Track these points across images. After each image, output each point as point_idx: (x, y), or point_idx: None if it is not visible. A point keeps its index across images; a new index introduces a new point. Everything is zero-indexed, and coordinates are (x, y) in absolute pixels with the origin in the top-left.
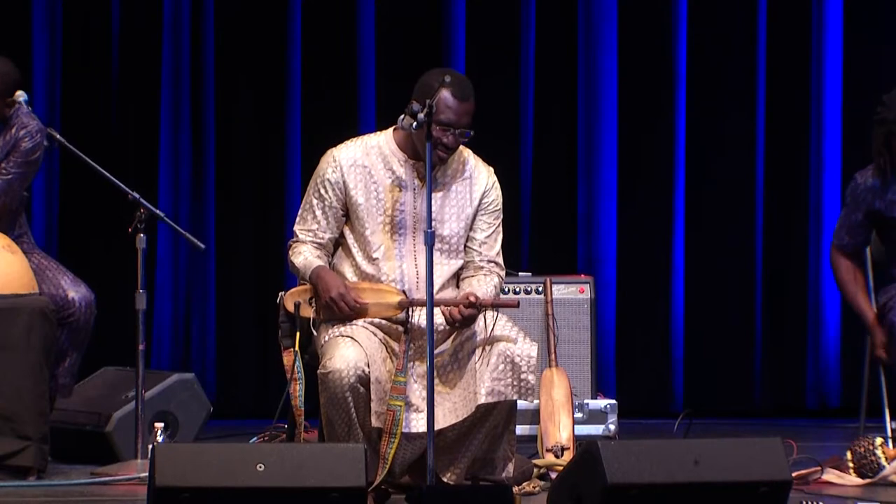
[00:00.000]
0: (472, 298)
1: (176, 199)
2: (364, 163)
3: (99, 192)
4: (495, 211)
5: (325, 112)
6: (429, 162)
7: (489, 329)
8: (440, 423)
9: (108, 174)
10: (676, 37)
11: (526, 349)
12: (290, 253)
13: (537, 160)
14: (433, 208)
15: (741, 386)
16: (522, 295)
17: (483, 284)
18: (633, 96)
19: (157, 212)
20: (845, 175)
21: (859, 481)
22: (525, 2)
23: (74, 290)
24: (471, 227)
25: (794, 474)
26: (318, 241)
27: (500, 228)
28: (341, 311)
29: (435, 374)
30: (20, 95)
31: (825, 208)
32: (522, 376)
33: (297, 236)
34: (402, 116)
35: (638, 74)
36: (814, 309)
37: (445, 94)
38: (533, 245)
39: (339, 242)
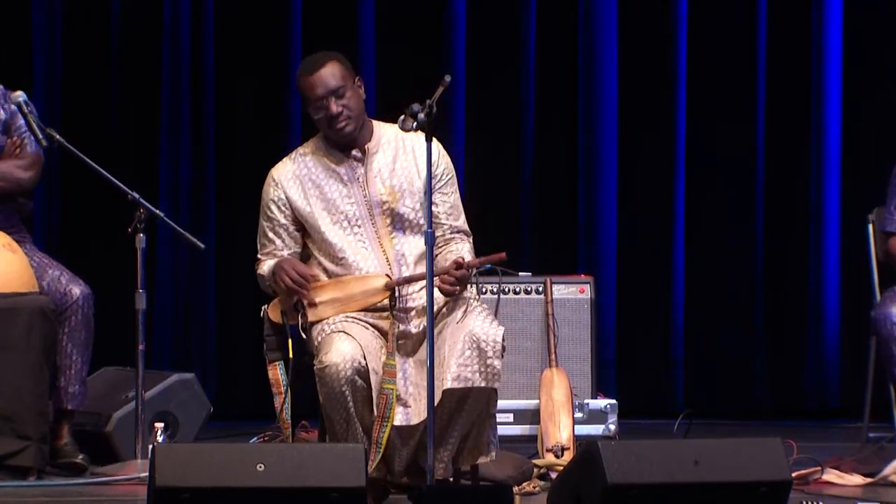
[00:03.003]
0: (459, 260)
1: (176, 199)
2: (301, 173)
3: (99, 192)
4: (449, 178)
5: None
6: (429, 162)
7: (461, 315)
8: (420, 416)
9: (108, 174)
10: (676, 37)
11: (492, 333)
12: (257, 272)
13: (537, 160)
14: (381, 191)
15: (741, 386)
16: (523, 295)
17: (458, 253)
18: (633, 96)
19: (157, 212)
20: (845, 175)
21: (859, 481)
22: (525, 2)
23: (75, 285)
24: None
25: (794, 474)
26: (279, 258)
27: (458, 194)
28: (285, 283)
29: (415, 368)
30: (20, 95)
31: (825, 209)
32: (489, 362)
33: (259, 259)
34: (401, 118)
35: (638, 75)
36: (814, 309)
37: (300, 81)
38: (533, 245)
39: (307, 255)
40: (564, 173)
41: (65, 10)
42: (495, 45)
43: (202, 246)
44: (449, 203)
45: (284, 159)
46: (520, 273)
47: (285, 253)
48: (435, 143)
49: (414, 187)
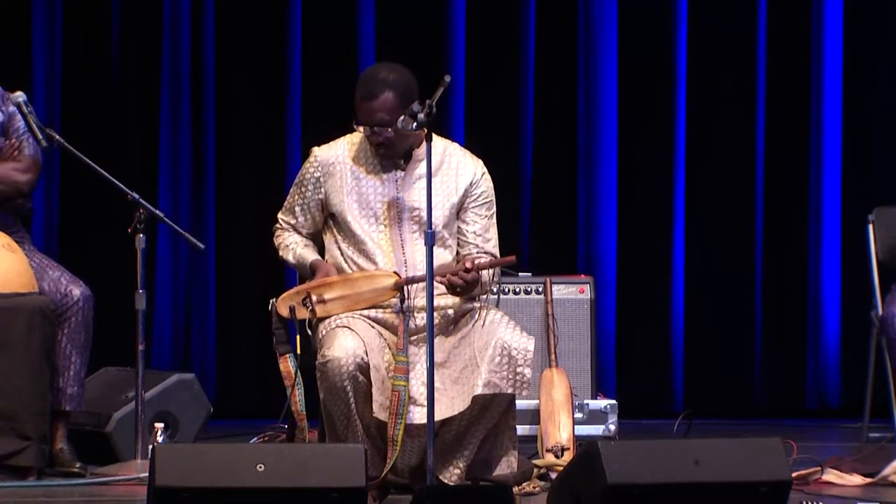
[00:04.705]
0: (468, 264)
1: (176, 199)
2: (344, 160)
3: (99, 192)
4: (486, 202)
5: (325, 112)
6: (429, 163)
7: (485, 322)
8: (437, 416)
9: (107, 174)
10: (676, 37)
11: (523, 343)
12: (277, 239)
13: (537, 160)
14: (413, 198)
15: (741, 386)
16: (523, 295)
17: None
18: (633, 96)
19: (157, 212)
20: (845, 175)
21: (859, 481)
22: (525, 2)
23: (75, 286)
24: (460, 219)
25: (794, 474)
26: (298, 233)
27: (494, 220)
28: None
29: (426, 368)
30: (20, 96)
31: (825, 208)
32: (518, 370)
33: (279, 223)
34: (401, 117)
35: (638, 74)
36: (814, 309)
37: (356, 92)
38: (533, 245)
39: (326, 236)
40: (564, 173)
41: (65, 10)
42: (495, 45)
43: (202, 246)
44: (480, 225)
45: (333, 142)
46: (520, 273)
47: (304, 231)
48: (480, 164)
49: (447, 202)
